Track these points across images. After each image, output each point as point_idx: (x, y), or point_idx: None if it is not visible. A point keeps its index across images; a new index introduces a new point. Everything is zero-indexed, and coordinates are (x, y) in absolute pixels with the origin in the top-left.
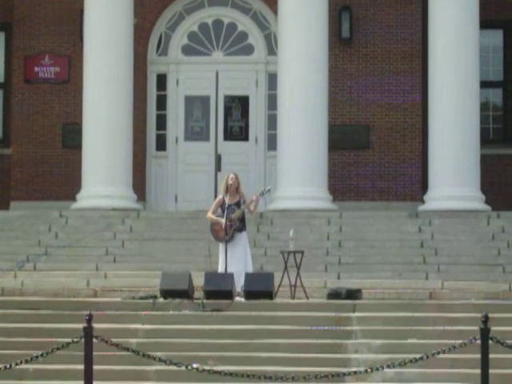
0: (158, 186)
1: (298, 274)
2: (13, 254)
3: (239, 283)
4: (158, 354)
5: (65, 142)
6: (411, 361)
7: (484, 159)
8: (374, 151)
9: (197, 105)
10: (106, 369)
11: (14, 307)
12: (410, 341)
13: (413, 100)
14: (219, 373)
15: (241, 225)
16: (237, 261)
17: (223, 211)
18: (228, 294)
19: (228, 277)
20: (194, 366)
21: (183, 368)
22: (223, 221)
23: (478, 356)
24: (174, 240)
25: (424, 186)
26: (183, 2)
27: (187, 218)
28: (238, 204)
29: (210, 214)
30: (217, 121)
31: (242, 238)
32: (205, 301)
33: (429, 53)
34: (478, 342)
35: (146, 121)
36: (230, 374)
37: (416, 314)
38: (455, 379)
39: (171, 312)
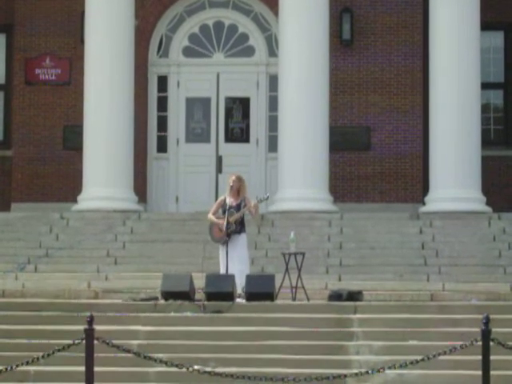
0: (159, 188)
1: (298, 275)
2: (14, 255)
3: (239, 285)
4: (159, 355)
5: (66, 144)
6: (412, 362)
7: (485, 161)
8: (375, 153)
9: (198, 106)
10: (107, 370)
11: (14, 309)
12: (411, 342)
13: (413, 101)
14: (220, 374)
15: (239, 227)
16: (235, 262)
17: (224, 212)
18: (229, 296)
19: (229, 278)
20: (195, 367)
21: (184, 370)
22: (223, 222)
23: (480, 358)
24: (175, 241)
25: (425, 188)
26: (184, 4)
27: (188, 220)
28: (238, 206)
29: (210, 215)
30: (218, 122)
31: (241, 240)
32: (206, 302)
33: (430, 54)
34: (480, 343)
35: (146, 122)
36: (231, 376)
37: (417, 316)
38: (456, 381)
39: (172, 314)
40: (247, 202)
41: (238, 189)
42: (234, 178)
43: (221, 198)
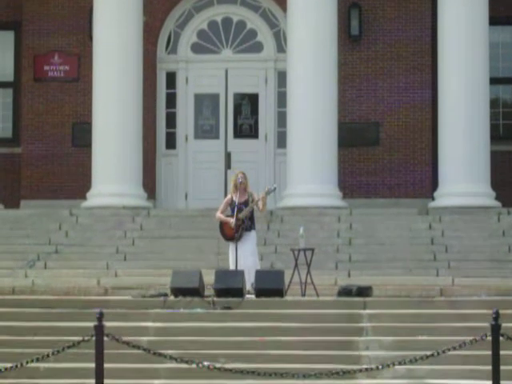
0: (168, 184)
1: (308, 271)
2: (23, 252)
3: (249, 281)
4: (169, 351)
5: (75, 141)
6: (422, 358)
7: (494, 156)
8: (384, 148)
9: (206, 103)
10: (117, 367)
11: (24, 306)
12: (420, 337)
13: (422, 97)
14: (230, 370)
15: (249, 223)
16: (246, 259)
17: (232, 210)
18: (238, 292)
19: (238, 274)
20: (205, 363)
21: (194, 366)
22: (232, 220)
23: (489, 352)
24: (185, 238)
25: (434, 183)
26: (192, 0)
27: (197, 216)
28: (246, 203)
29: (219, 214)
30: (226, 118)
31: (251, 237)
32: (215, 299)
33: (438, 50)
34: (489, 338)
35: (155, 119)
36: (241, 372)
37: (427, 311)
38: (466, 376)
39: (182, 310)
40: (254, 197)
41: (246, 185)
42: (241, 174)
43: (228, 197)
